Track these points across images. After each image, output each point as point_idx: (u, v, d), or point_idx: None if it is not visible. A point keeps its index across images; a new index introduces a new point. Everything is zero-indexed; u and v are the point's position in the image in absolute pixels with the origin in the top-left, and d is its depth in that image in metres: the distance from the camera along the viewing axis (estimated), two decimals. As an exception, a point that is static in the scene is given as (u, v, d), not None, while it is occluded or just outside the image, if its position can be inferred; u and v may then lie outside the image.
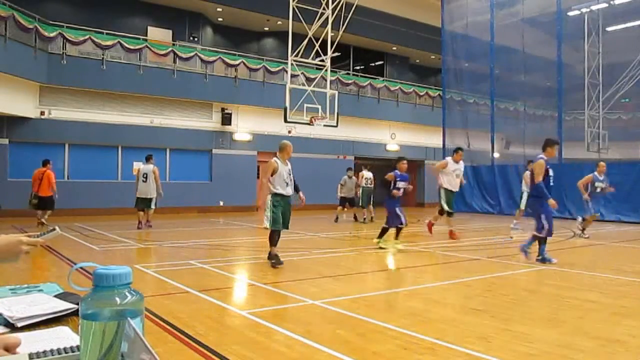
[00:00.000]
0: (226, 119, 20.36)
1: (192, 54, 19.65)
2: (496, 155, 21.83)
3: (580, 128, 21.41)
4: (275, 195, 7.74)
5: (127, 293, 0.92)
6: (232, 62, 20.50)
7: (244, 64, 20.85)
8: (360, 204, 16.96)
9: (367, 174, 16.92)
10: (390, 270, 8.19)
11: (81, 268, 1.16)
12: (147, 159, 13.79)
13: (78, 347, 1.18)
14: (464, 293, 5.96)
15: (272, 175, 7.72)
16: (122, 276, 0.92)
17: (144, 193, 13.34)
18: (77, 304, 1.37)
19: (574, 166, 18.59)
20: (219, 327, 4.52)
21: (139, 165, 14.02)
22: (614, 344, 4.03)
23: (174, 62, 19.34)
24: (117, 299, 0.91)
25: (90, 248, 9.55)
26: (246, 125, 21.19)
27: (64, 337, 1.35)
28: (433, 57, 28.77)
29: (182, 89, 19.27)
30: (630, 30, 18.80)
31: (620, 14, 20.06)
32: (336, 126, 17.56)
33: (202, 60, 19.99)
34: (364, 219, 16.70)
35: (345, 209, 17.09)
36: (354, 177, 17.12)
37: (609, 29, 21.25)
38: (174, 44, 20.39)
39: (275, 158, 7.85)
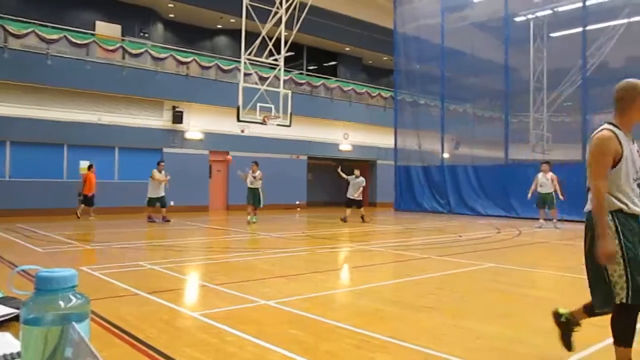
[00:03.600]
0: (177, 117, 19.99)
1: (142, 50, 19.20)
2: (446, 155, 22.30)
3: (526, 130, 22.15)
4: (620, 214, 3.19)
5: (71, 296, 0.88)
6: (184, 60, 20.16)
7: (196, 61, 20.54)
8: (253, 202, 15.87)
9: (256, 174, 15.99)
10: (343, 269, 8.25)
11: (23, 271, 1.11)
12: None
13: (19, 354, 1.13)
14: (416, 291, 6.06)
15: (613, 167, 3.20)
16: (66, 279, 0.89)
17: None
18: (18, 308, 1.31)
19: (520, 166, 19.26)
20: (169, 329, 4.43)
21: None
22: (557, 336, 4.18)
23: (123, 58, 18.85)
24: (61, 302, 0.87)
25: (33, 250, 9.18)
26: (198, 124, 20.88)
27: (4, 343, 1.29)
28: (385, 58, 29.13)
29: (131, 86, 18.79)
30: (572, 37, 19.59)
31: (563, 21, 20.87)
32: (289, 126, 17.54)
33: (152, 57, 19.56)
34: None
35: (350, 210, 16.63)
36: (361, 177, 16.68)
37: (553, 35, 22.08)
38: (123, 40, 19.88)
39: (608, 126, 3.27)
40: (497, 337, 4.17)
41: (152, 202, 15.74)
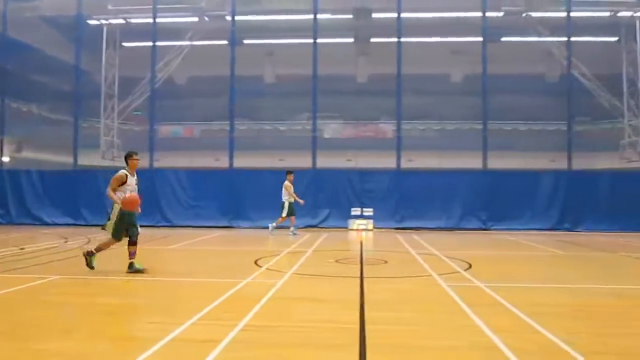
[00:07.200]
0: None
1: None
2: (6, 159, 20.25)
3: (97, 135, 22.05)
4: None
5: None
6: None
7: None
8: None
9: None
10: None
11: None
12: None
13: None
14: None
15: None
16: None
17: None
18: None
19: (89, 173, 18.96)
20: None
21: None
22: (128, 342, 4.20)
23: None
24: None
25: None
26: None
27: None
28: None
29: None
30: (143, 50, 20.49)
31: (136, 32, 21.70)
32: None
33: None
34: None
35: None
36: None
37: (126, 44, 22.73)
38: None
39: None
40: (64, 354, 3.88)
41: None
